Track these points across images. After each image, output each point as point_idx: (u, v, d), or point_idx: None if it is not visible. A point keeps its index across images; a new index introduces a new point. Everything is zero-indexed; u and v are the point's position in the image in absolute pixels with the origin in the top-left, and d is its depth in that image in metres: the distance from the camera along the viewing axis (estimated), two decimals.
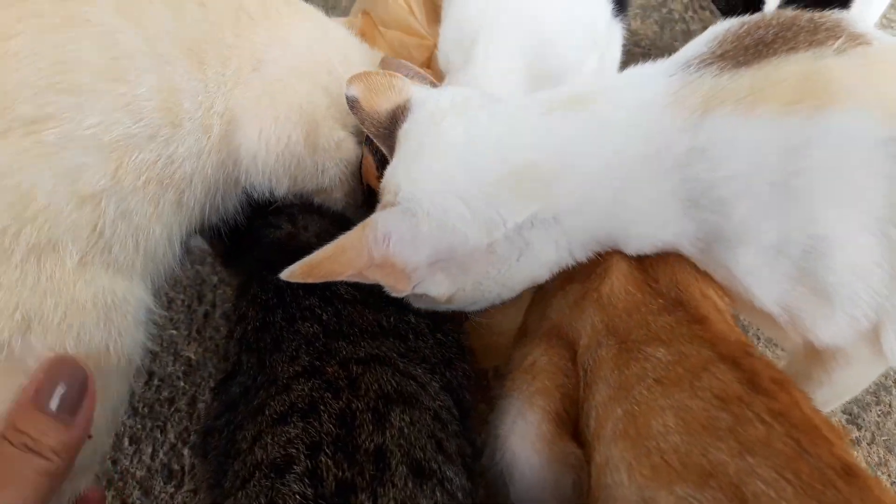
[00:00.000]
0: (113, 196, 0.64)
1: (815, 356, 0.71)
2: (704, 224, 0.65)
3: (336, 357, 0.65)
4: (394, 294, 0.67)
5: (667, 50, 1.61)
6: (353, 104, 0.75)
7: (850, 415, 1.04)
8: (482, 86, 0.94)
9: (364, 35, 1.10)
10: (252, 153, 0.77)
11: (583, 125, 0.66)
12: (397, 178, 0.68)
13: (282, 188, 0.82)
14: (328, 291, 0.72)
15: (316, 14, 0.90)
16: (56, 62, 0.61)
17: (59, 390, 0.56)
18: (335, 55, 0.86)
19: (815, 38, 0.64)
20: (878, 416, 1.04)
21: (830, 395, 0.73)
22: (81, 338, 0.63)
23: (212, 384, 1.02)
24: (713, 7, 1.72)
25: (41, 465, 0.54)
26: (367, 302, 0.71)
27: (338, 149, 0.84)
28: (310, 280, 0.63)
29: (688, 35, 1.65)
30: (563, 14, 1.00)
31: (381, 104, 0.74)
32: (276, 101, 0.77)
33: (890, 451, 1.00)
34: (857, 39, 0.63)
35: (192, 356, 1.05)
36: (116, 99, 0.64)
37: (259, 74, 0.76)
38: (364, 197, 0.93)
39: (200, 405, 1.00)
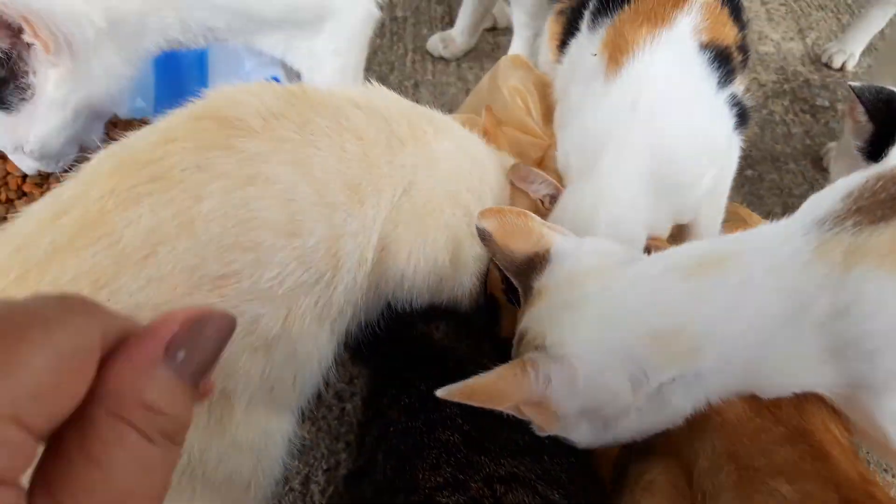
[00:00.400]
0: (281, 342, 0.69)
1: None
2: (847, 372, 0.66)
3: (479, 473, 0.68)
4: (538, 432, 0.71)
5: (768, 152, 1.64)
6: (484, 237, 0.79)
7: None
8: (606, 196, 0.99)
9: (487, 133, 1.15)
10: (400, 274, 0.81)
11: (723, 289, 0.69)
12: (543, 326, 0.72)
13: (422, 301, 0.86)
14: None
15: (454, 128, 0.94)
16: (241, 221, 0.66)
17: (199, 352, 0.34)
18: (474, 171, 0.91)
19: None
20: None
21: None
22: (232, 477, 0.68)
23: (324, 465, 1.06)
24: (814, 111, 1.74)
25: (175, 459, 0.34)
26: (503, 416, 0.74)
27: (475, 264, 0.89)
28: (465, 402, 0.67)
29: (789, 138, 1.67)
30: (690, 131, 1.03)
31: (517, 246, 0.78)
32: (426, 224, 0.81)
33: None
34: None
35: (306, 435, 1.09)
36: (291, 252, 0.68)
37: (409, 197, 0.80)
38: (484, 301, 0.97)
39: (313, 485, 1.04)
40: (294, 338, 0.70)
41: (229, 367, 0.65)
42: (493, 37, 1.88)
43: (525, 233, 0.79)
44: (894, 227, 0.64)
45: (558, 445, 0.75)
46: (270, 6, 1.09)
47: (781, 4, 2.11)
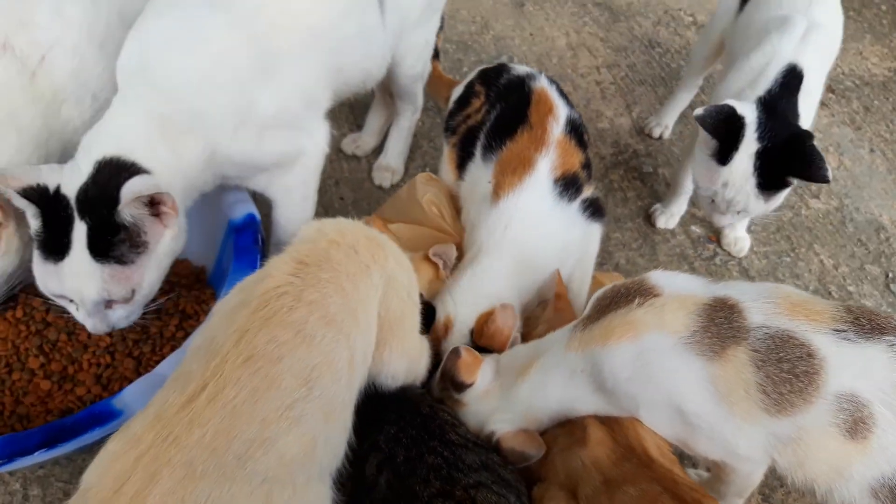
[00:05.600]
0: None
1: (718, 468, 1.24)
2: (612, 400, 1.19)
3: (459, 483, 1.11)
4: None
5: (611, 215, 2.17)
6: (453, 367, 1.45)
7: (763, 495, 1.54)
8: (481, 278, 1.53)
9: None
10: (388, 370, 1.24)
11: (537, 380, 1.27)
12: (481, 423, 1.33)
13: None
14: (445, 437, 1.19)
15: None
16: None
17: None
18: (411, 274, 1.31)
19: (628, 298, 1.18)
20: (783, 495, 1.56)
21: (733, 491, 1.27)
22: None
23: None
24: (643, 177, 2.29)
25: None
26: (468, 445, 1.18)
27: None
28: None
29: (626, 201, 2.20)
30: (545, 242, 1.57)
31: (464, 376, 1.35)
32: (400, 329, 1.23)
33: None
34: (651, 293, 1.16)
35: None
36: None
37: (384, 311, 1.20)
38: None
39: None
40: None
41: None
42: None
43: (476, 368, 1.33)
44: (602, 322, 1.18)
45: (502, 461, 1.21)
46: (268, 156, 1.49)
47: (611, 83, 2.64)
